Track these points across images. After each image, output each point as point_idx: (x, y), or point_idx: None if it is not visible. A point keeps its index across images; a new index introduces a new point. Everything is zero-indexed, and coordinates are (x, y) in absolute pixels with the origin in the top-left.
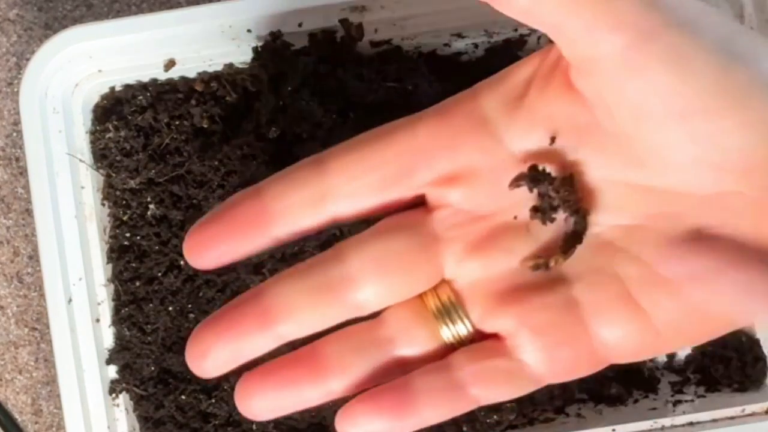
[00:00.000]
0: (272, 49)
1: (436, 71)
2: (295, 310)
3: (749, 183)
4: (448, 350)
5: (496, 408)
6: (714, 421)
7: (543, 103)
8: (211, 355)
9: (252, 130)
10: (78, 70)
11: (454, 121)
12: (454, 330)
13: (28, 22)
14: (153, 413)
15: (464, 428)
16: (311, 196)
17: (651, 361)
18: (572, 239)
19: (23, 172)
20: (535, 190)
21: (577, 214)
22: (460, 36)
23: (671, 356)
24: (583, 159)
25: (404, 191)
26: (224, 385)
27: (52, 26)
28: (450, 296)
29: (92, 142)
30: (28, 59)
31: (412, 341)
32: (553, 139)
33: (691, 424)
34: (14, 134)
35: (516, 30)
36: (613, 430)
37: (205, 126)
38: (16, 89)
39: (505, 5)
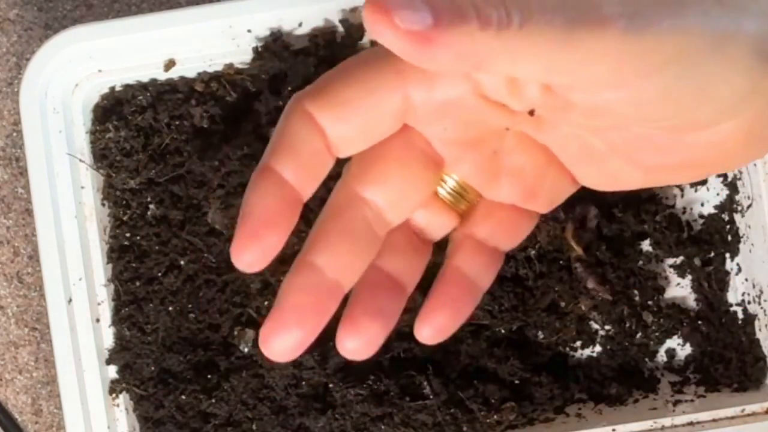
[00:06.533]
0: (272, 49)
1: None
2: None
3: None
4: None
5: (496, 408)
6: (714, 420)
7: None
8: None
9: (252, 130)
10: (78, 70)
11: None
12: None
13: (28, 22)
14: (153, 413)
15: (464, 428)
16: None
17: (651, 360)
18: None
19: (23, 172)
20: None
21: None
22: None
23: (671, 356)
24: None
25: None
26: (224, 385)
27: (52, 26)
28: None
29: (92, 142)
30: (28, 59)
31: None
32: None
33: (691, 423)
34: (14, 134)
35: None
36: (613, 430)
37: (205, 126)
38: (16, 89)
39: None
